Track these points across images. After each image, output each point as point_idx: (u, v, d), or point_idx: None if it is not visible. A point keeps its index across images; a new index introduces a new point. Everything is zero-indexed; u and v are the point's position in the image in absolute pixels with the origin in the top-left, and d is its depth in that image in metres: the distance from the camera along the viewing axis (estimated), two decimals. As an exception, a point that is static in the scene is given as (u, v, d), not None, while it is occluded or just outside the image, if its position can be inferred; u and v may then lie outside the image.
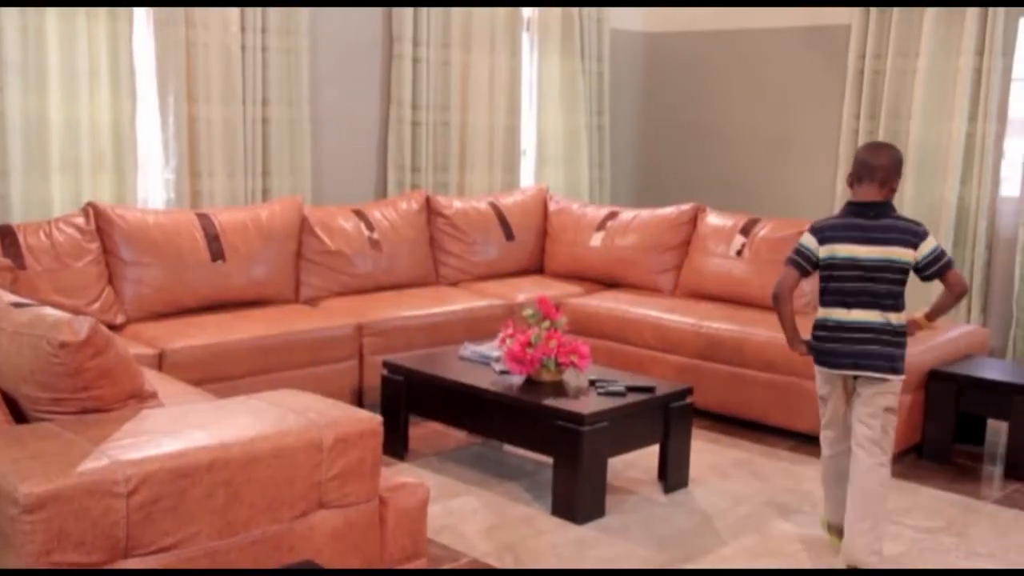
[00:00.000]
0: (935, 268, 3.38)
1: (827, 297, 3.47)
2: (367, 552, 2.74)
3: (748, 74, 7.12)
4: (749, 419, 4.96)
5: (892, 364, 3.40)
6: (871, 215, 3.39)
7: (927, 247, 3.36)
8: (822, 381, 3.56)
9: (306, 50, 5.59)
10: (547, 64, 6.87)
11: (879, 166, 3.39)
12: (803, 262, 3.50)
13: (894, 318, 3.41)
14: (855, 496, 3.42)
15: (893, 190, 3.43)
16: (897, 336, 3.42)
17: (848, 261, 3.40)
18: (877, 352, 3.39)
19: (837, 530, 3.60)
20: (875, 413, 3.42)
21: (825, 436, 3.63)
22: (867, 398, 3.43)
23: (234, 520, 2.43)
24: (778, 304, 3.56)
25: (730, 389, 4.98)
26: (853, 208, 3.43)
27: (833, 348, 3.45)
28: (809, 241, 3.49)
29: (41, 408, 2.53)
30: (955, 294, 3.45)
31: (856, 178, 3.44)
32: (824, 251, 3.44)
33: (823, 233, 3.46)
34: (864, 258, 3.38)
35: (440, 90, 6.26)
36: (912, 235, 3.37)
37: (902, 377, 3.44)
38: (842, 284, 3.42)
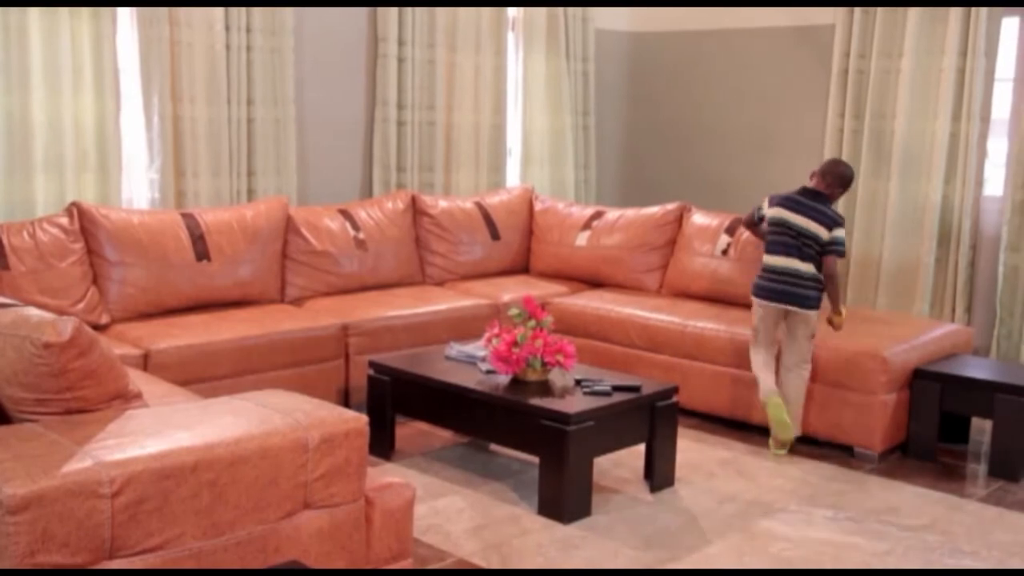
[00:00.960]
0: (829, 249, 4.54)
1: (767, 247, 4.69)
2: (353, 552, 2.74)
3: (733, 74, 7.14)
4: (735, 418, 4.97)
5: (804, 302, 4.54)
6: (810, 197, 4.61)
7: (835, 233, 4.54)
8: (756, 310, 4.67)
9: (291, 50, 5.58)
10: (532, 64, 6.87)
11: (830, 172, 4.66)
12: (755, 213, 4.85)
13: (805, 268, 4.54)
14: (789, 395, 4.59)
15: (833, 193, 4.64)
16: (806, 280, 4.54)
17: (782, 222, 4.60)
18: (792, 292, 4.55)
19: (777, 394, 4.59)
20: (798, 337, 4.59)
21: (756, 350, 4.68)
22: (793, 326, 4.60)
23: (219, 521, 2.43)
24: (744, 224, 5.13)
25: (716, 388, 4.99)
26: (802, 190, 4.66)
27: (766, 286, 4.63)
28: (764, 203, 4.77)
29: (25, 409, 2.52)
30: (826, 274, 4.56)
31: (816, 174, 4.68)
32: (770, 212, 4.68)
33: (774, 200, 4.71)
34: (792, 223, 4.58)
35: (425, 90, 6.25)
36: (829, 220, 4.56)
37: (814, 312, 4.55)
38: (776, 238, 4.63)
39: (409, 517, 2.90)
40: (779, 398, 4.55)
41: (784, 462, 4.54)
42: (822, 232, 4.51)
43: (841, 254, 4.58)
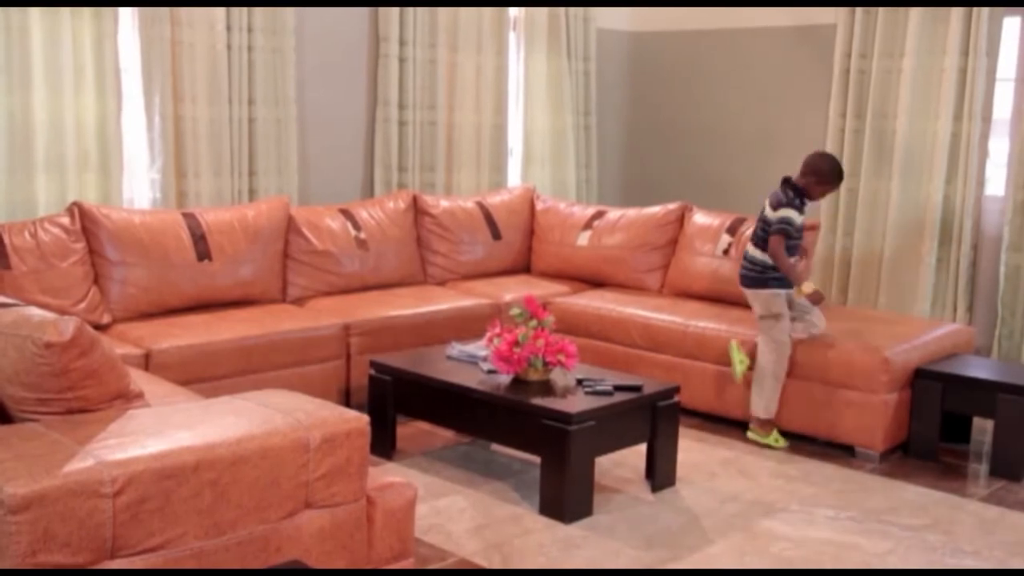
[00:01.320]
0: (770, 228, 4.61)
1: None
2: (354, 552, 2.74)
3: (735, 73, 7.14)
4: (736, 418, 4.97)
5: (747, 282, 4.76)
6: (781, 185, 4.68)
7: (779, 213, 4.59)
8: None
9: (292, 49, 5.58)
10: (534, 63, 6.87)
11: (806, 163, 4.67)
12: None
13: (751, 251, 4.73)
14: (755, 371, 4.73)
15: (807, 183, 4.62)
16: (746, 261, 4.77)
17: (761, 211, 4.74)
18: (742, 275, 4.80)
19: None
20: (757, 318, 4.74)
21: None
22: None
23: (221, 520, 2.43)
24: None
25: (717, 388, 4.99)
26: (782, 179, 4.71)
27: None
28: None
29: (26, 408, 2.52)
30: (768, 253, 4.63)
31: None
32: None
33: None
34: (762, 209, 4.72)
35: (427, 89, 6.26)
36: (777, 201, 4.62)
37: (757, 291, 4.70)
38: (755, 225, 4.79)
39: (410, 517, 2.90)
40: (736, 341, 4.79)
41: (785, 462, 4.54)
42: (769, 213, 4.63)
43: (781, 232, 4.56)
